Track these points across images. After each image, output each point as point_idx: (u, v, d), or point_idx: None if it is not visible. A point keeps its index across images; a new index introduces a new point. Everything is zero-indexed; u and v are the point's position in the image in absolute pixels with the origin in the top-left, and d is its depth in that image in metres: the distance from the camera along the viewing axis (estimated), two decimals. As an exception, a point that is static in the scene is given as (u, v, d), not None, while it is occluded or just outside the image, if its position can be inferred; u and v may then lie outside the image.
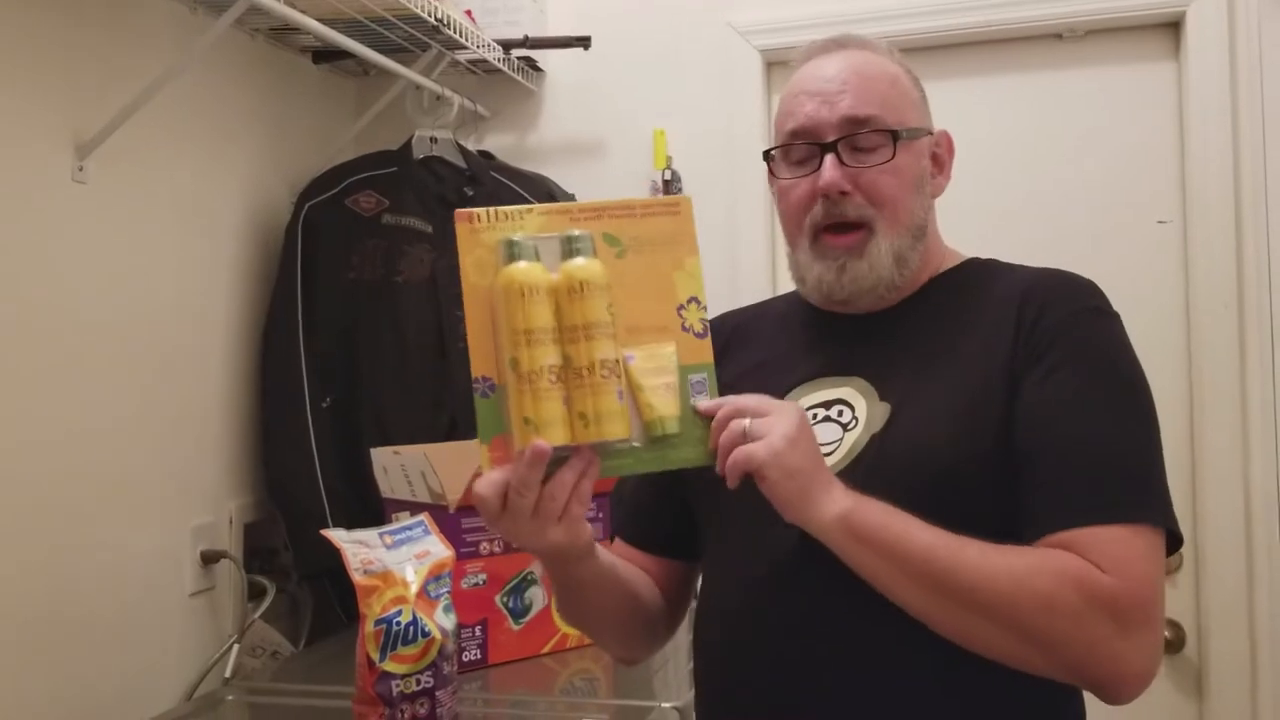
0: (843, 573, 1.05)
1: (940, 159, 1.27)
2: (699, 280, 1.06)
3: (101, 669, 1.77)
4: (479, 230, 1.02)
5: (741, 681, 1.16)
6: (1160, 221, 2.27)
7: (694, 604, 1.32)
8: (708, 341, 1.05)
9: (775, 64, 2.41)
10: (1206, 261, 2.20)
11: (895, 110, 1.21)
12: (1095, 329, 1.14)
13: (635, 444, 1.02)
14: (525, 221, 1.03)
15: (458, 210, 1.03)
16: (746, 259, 2.30)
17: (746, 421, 1.02)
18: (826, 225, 1.19)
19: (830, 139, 1.18)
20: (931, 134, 1.25)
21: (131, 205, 1.87)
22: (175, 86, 1.83)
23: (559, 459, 0.99)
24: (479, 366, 1.01)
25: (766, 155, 1.25)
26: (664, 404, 1.02)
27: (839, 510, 1.03)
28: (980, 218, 2.12)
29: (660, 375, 1.03)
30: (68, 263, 1.74)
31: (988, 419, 1.10)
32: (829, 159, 1.18)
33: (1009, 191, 2.31)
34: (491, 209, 1.03)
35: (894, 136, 1.19)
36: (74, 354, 1.74)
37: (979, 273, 1.25)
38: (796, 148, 1.21)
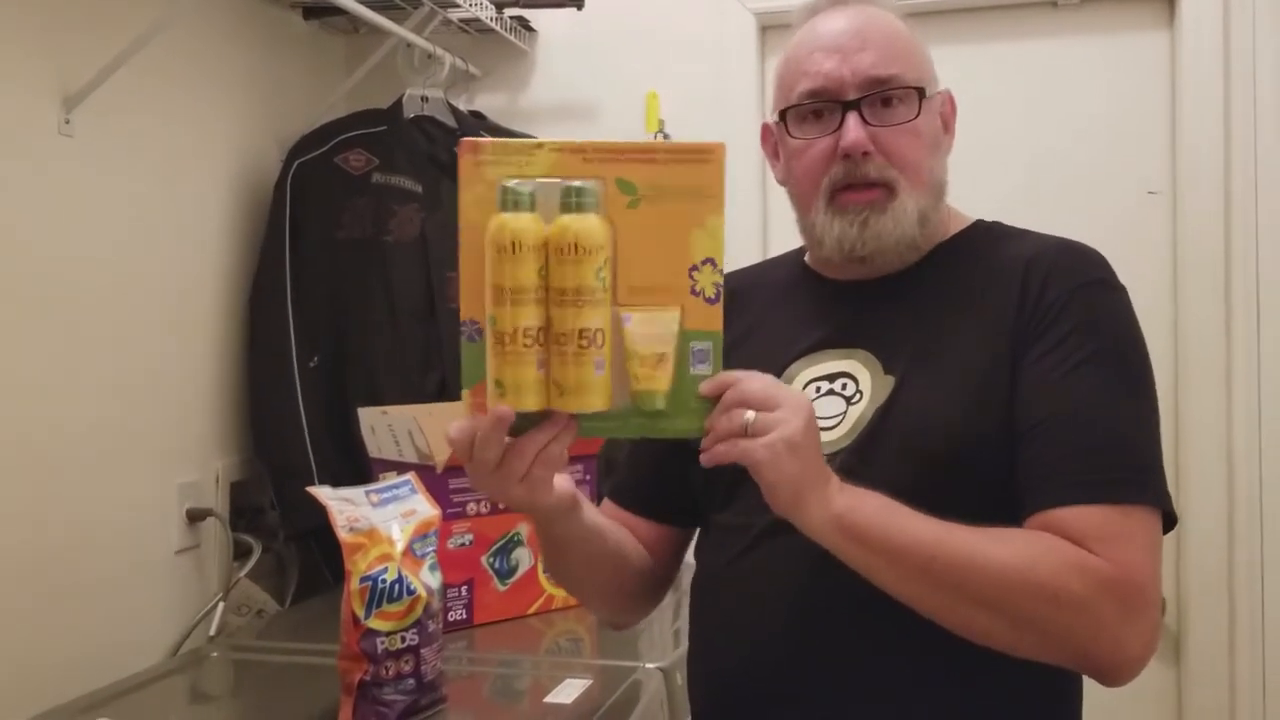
0: None
1: (946, 118, 1.24)
2: (719, 240, 0.97)
3: (86, 625, 1.77)
4: (482, 164, 0.95)
5: (736, 652, 1.16)
6: (1151, 192, 2.28)
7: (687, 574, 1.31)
8: (718, 308, 0.97)
9: (770, 28, 2.39)
10: (1196, 232, 2.20)
11: (915, 68, 1.18)
12: (1101, 303, 1.12)
13: (621, 408, 0.96)
14: (533, 159, 0.95)
15: (463, 139, 0.96)
16: (738, 224, 2.27)
17: (750, 415, 0.96)
18: (845, 187, 1.16)
19: (852, 97, 1.15)
20: (939, 93, 1.23)
21: (119, 159, 1.86)
22: (164, 40, 1.81)
23: (534, 416, 0.96)
24: (468, 309, 0.96)
25: (782, 115, 1.20)
26: (653, 376, 0.96)
27: (833, 512, 1.00)
28: (971, 185, 2.11)
29: (655, 343, 0.96)
30: (53, 215, 1.72)
31: (993, 393, 1.09)
32: (852, 118, 1.14)
33: (1000, 159, 2.31)
34: (499, 140, 0.96)
35: (920, 94, 1.16)
36: (60, 309, 1.73)
37: (985, 237, 1.23)
38: (811, 106, 1.17)
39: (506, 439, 0.96)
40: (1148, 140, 2.28)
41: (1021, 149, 2.32)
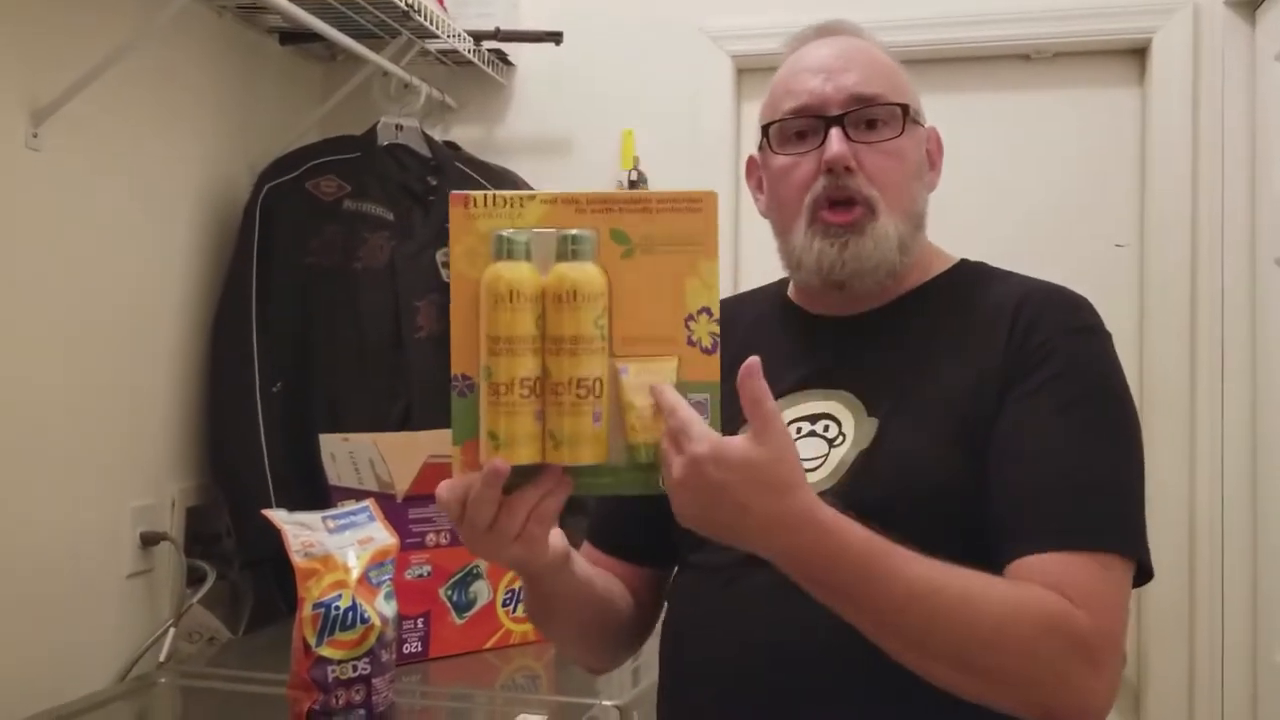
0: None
1: (932, 155, 1.25)
2: (714, 288, 0.95)
3: (34, 647, 1.73)
4: (474, 216, 0.93)
5: (712, 692, 1.13)
6: (1118, 245, 2.30)
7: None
8: (715, 358, 0.95)
9: (746, 70, 2.41)
10: (1162, 286, 2.22)
11: (899, 90, 1.19)
12: (1087, 348, 1.12)
13: (617, 463, 0.95)
14: (525, 211, 0.94)
15: (453, 192, 0.94)
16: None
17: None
18: (827, 203, 1.15)
19: (835, 113, 1.15)
20: (924, 127, 1.24)
21: (86, 175, 1.84)
22: (137, 58, 1.80)
23: (529, 471, 0.94)
24: (459, 363, 0.94)
25: (765, 130, 1.21)
26: (650, 428, 0.94)
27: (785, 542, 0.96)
28: (940, 234, 2.13)
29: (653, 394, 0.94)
30: (16, 230, 1.70)
31: (976, 436, 1.08)
32: (835, 133, 1.14)
33: (969, 208, 2.31)
34: (491, 193, 0.94)
35: (904, 110, 1.17)
36: (18, 325, 1.70)
37: (971, 277, 1.23)
38: (795, 124, 1.17)
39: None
40: (1117, 193, 2.30)
41: (989, 199, 2.33)
